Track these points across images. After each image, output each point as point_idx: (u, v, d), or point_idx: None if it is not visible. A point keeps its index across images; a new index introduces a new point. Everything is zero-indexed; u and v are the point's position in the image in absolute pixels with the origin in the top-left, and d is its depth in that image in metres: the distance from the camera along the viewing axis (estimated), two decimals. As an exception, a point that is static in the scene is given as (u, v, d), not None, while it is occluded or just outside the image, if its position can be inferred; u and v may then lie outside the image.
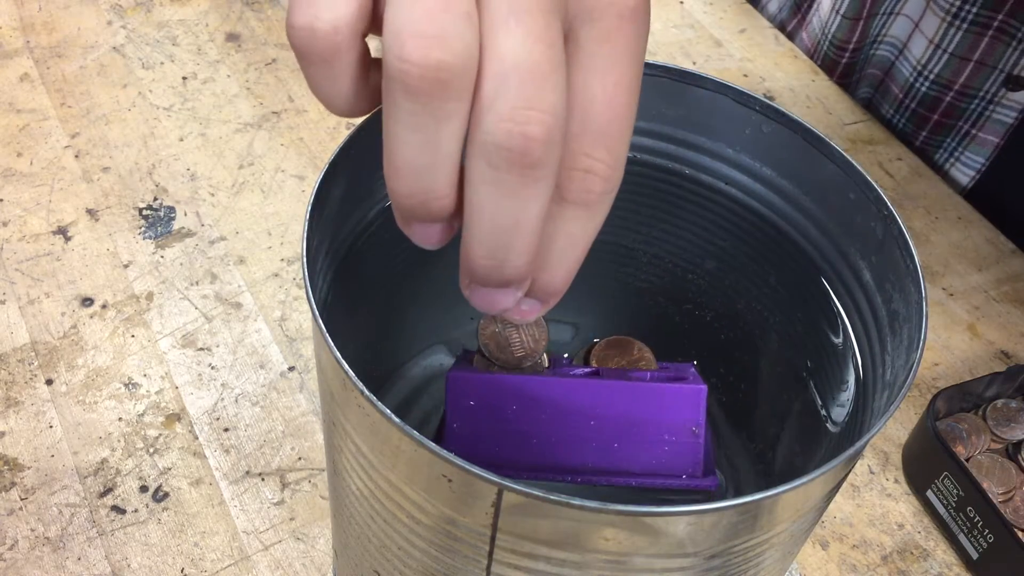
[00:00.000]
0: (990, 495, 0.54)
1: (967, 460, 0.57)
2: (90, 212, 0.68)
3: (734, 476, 0.47)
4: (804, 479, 0.29)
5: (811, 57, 0.84)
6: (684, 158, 0.45)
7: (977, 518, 0.53)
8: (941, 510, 0.55)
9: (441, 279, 0.44)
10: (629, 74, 0.25)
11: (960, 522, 0.54)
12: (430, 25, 0.22)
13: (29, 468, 0.55)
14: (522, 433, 0.36)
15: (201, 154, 0.72)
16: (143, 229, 0.67)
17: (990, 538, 0.52)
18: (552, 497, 0.28)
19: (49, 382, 0.59)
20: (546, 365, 0.41)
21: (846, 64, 0.82)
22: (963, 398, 0.59)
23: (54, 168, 0.70)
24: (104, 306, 0.63)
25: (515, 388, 0.36)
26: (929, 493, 0.56)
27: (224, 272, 0.65)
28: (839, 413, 0.40)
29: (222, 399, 0.59)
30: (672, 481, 0.36)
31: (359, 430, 0.33)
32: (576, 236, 0.25)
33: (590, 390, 0.37)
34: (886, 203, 0.37)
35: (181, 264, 0.65)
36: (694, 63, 0.82)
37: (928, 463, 0.56)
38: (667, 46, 0.84)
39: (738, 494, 0.29)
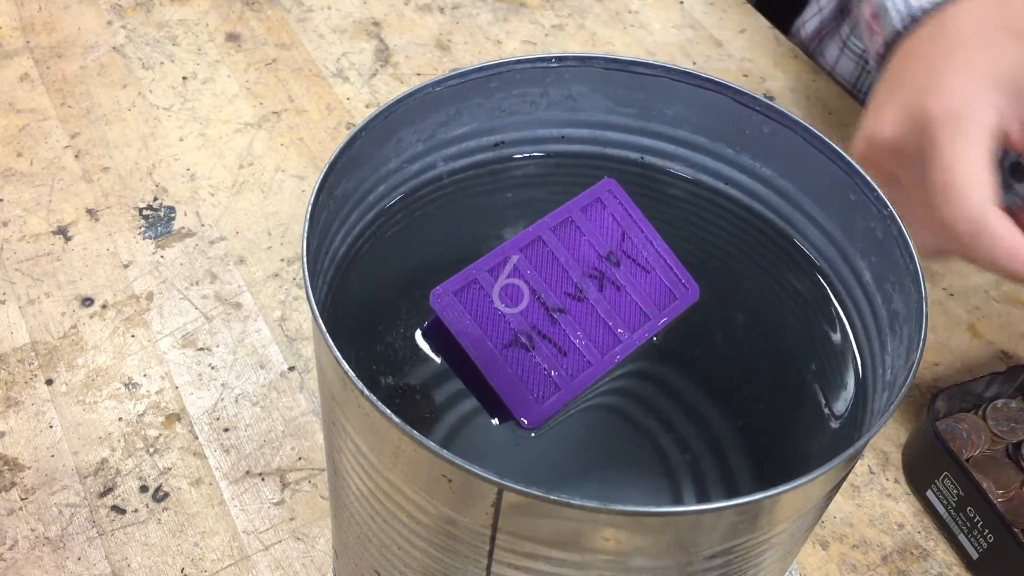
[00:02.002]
0: (990, 495, 0.53)
1: (967, 460, 0.57)
2: (90, 212, 0.68)
3: (733, 476, 0.47)
4: (804, 479, 0.30)
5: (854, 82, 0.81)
6: (684, 158, 0.45)
7: (977, 518, 0.53)
8: (941, 510, 0.55)
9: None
10: None
11: (960, 522, 0.54)
12: None
13: (29, 468, 0.55)
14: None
15: (201, 154, 0.72)
16: (143, 229, 0.67)
17: (990, 538, 0.52)
18: (552, 497, 0.28)
19: (49, 382, 0.59)
20: None
21: None
22: (963, 398, 0.59)
23: (54, 168, 0.70)
24: (104, 306, 0.63)
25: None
26: (929, 493, 0.56)
27: (224, 272, 0.65)
28: (839, 412, 0.40)
29: (222, 399, 0.59)
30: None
31: (359, 430, 0.33)
32: None
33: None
34: (886, 203, 0.37)
35: (181, 264, 0.65)
36: (694, 63, 0.82)
37: (928, 463, 0.56)
38: (667, 46, 0.84)
39: (737, 494, 0.29)
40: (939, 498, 0.56)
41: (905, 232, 0.37)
